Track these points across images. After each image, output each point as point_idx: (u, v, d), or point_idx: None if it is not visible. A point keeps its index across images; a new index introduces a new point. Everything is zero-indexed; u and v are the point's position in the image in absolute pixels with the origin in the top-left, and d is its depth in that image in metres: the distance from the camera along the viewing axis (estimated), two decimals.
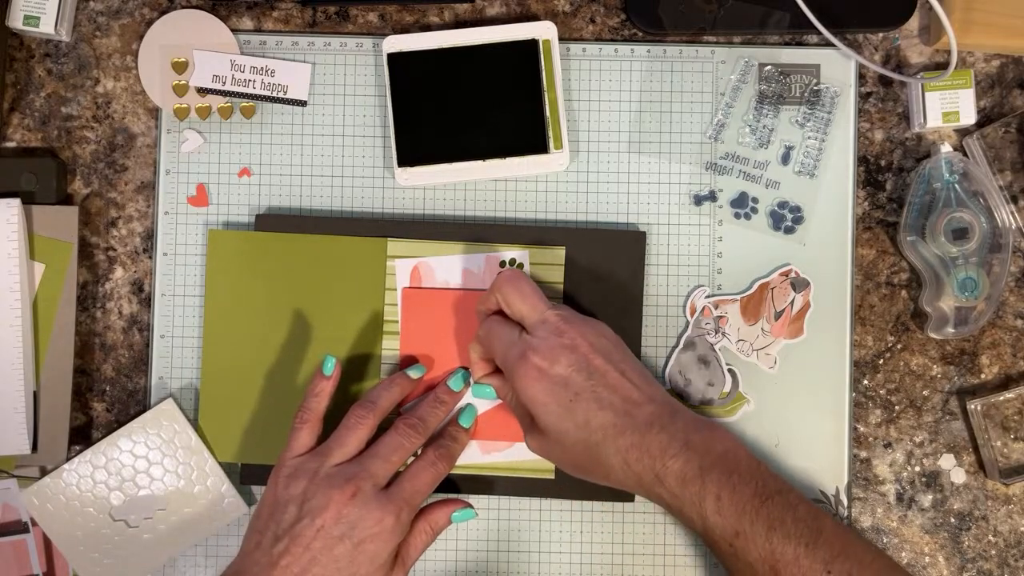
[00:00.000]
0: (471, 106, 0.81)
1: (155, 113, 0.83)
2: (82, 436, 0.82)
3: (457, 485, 0.80)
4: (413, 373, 0.78)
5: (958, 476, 0.83)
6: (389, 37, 0.81)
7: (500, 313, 0.76)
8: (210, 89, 0.81)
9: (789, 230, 0.82)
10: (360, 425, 0.74)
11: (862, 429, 0.83)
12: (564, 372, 0.71)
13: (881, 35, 0.83)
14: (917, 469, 0.83)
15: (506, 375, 0.74)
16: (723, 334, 0.82)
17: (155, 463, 0.80)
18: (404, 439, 0.75)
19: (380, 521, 0.71)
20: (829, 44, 0.81)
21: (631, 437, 0.70)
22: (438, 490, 0.77)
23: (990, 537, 0.82)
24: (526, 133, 0.81)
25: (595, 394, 0.71)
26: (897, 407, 0.83)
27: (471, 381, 0.79)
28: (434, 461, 0.75)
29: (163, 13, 0.82)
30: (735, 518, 0.68)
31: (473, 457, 0.80)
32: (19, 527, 0.80)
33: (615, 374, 0.72)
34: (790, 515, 0.68)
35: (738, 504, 0.68)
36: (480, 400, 0.80)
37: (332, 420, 0.76)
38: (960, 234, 0.79)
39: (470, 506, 0.77)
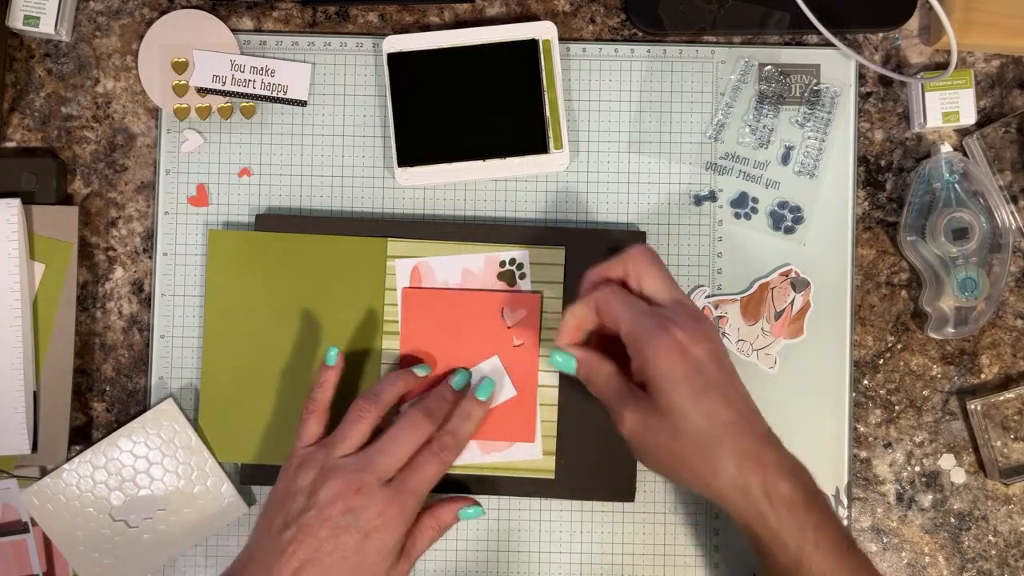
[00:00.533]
0: (471, 106, 0.81)
1: (155, 113, 0.83)
2: (82, 436, 0.82)
3: (456, 485, 0.80)
4: (419, 371, 0.78)
5: (958, 476, 0.83)
6: (389, 37, 0.81)
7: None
8: (210, 89, 0.81)
9: (789, 230, 0.82)
10: (362, 419, 0.74)
11: (862, 429, 0.83)
12: (702, 356, 0.69)
13: (881, 35, 0.83)
14: (917, 469, 0.83)
15: (633, 343, 0.70)
16: (723, 334, 0.82)
17: (155, 463, 0.80)
18: (410, 431, 0.75)
19: (384, 512, 0.71)
20: (829, 44, 0.81)
21: (750, 442, 0.68)
22: (444, 492, 0.77)
23: (990, 537, 0.82)
24: (526, 133, 0.81)
25: (723, 389, 0.69)
26: (897, 407, 0.83)
27: (553, 347, 0.74)
28: (438, 451, 0.75)
29: (163, 13, 0.82)
30: (828, 556, 0.67)
31: (473, 457, 0.80)
32: (19, 527, 0.80)
33: (739, 381, 0.70)
34: (864, 567, 0.68)
35: (832, 545, 0.67)
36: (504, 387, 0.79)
37: (340, 414, 0.76)
38: (960, 234, 0.79)
39: (478, 504, 0.77)
